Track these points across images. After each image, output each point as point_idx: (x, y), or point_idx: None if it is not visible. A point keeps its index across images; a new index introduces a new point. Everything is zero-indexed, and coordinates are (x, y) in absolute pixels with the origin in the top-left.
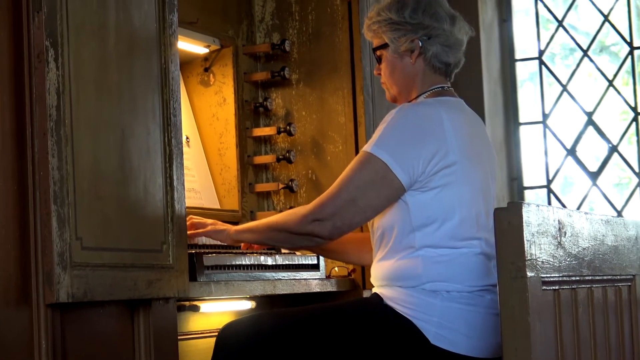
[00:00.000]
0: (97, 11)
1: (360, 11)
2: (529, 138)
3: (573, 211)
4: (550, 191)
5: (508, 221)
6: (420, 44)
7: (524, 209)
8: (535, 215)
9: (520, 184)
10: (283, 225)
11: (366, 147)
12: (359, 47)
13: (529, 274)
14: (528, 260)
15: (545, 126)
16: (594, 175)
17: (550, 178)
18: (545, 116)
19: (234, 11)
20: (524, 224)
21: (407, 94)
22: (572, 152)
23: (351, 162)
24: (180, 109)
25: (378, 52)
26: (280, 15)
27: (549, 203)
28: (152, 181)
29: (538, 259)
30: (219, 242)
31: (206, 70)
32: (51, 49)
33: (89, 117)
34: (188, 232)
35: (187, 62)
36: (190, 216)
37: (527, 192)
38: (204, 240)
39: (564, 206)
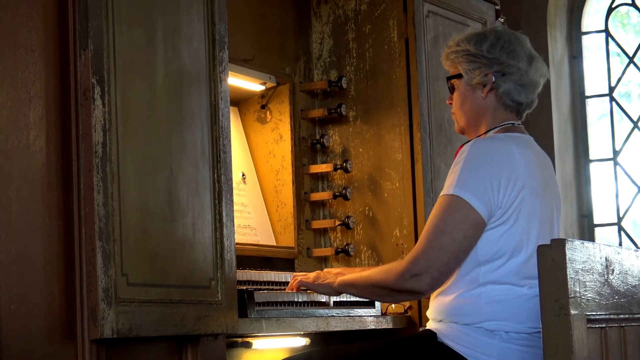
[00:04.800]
0: (144, 49)
1: (417, 48)
2: (599, 175)
3: (622, 248)
4: (621, 229)
5: (551, 258)
6: (493, 79)
7: (568, 246)
8: (580, 252)
9: (591, 222)
10: (383, 283)
11: (447, 190)
12: (416, 84)
13: (573, 311)
14: (572, 297)
15: (616, 163)
16: None
17: (621, 216)
18: (615, 153)
19: (291, 49)
20: (568, 261)
21: (476, 128)
22: None
23: (434, 209)
24: (230, 146)
25: (452, 82)
26: (338, 52)
27: (620, 241)
28: (200, 218)
29: (583, 297)
30: (272, 279)
31: (263, 107)
32: (97, 86)
33: (135, 154)
34: (293, 283)
35: (244, 99)
36: (295, 274)
37: (597, 230)
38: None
39: (635, 244)
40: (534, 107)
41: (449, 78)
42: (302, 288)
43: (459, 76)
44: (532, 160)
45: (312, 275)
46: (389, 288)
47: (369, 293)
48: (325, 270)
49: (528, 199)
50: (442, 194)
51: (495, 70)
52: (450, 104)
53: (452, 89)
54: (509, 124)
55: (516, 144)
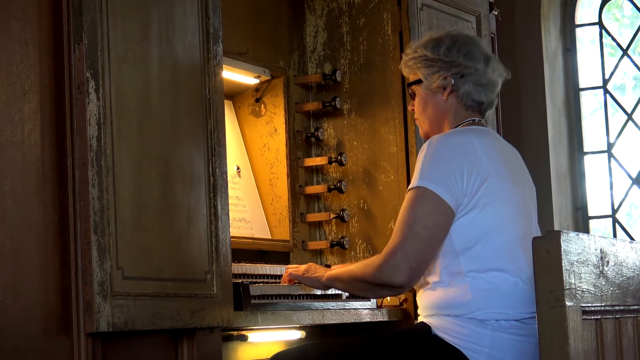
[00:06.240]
0: (139, 43)
1: (412, 41)
2: (593, 167)
3: (616, 240)
4: (615, 220)
5: (546, 250)
6: (452, 81)
7: (563, 238)
8: (575, 244)
9: (585, 214)
10: (362, 277)
11: (413, 184)
12: None
13: (568, 303)
14: (567, 289)
15: (610, 155)
16: None
17: (616, 208)
18: (610, 145)
19: (285, 42)
20: (563, 253)
21: (439, 130)
22: (638, 181)
23: (403, 203)
24: (225, 139)
25: (412, 88)
26: (332, 45)
27: (614, 233)
28: (195, 211)
29: (578, 288)
30: (267, 272)
31: (257, 100)
32: (92, 80)
33: (130, 148)
34: (285, 276)
35: (238, 93)
36: (287, 267)
37: (592, 222)
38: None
39: (629, 236)
40: (494, 106)
41: (409, 84)
42: (295, 282)
43: (418, 82)
44: (493, 148)
45: (302, 267)
46: (368, 282)
47: (352, 287)
48: None
49: (495, 184)
50: (408, 188)
51: (453, 72)
52: (413, 109)
53: (413, 95)
54: (470, 120)
55: (475, 134)
